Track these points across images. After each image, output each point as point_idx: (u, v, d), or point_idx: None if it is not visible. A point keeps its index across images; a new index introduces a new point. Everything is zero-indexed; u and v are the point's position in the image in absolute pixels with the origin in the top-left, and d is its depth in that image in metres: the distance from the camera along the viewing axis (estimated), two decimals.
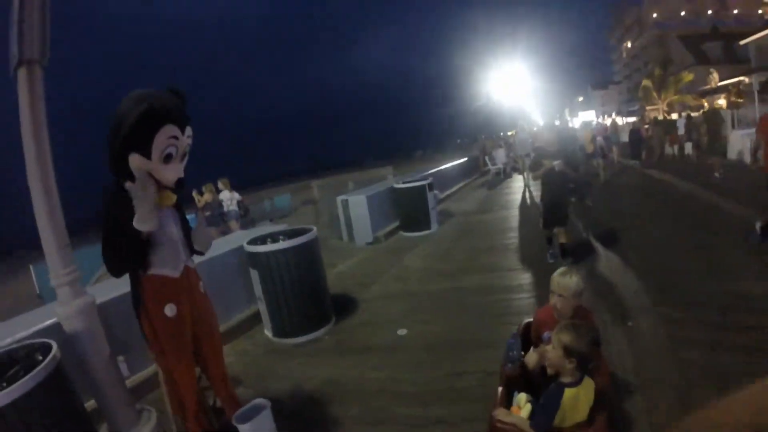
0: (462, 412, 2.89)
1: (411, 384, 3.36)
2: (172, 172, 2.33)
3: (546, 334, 2.32)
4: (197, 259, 2.80)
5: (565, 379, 1.96)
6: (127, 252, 2.27)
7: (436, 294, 5.33)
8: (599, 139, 12.75)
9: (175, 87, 2.43)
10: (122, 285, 3.64)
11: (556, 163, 5.72)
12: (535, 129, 14.52)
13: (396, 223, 8.89)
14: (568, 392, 1.92)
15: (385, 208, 8.60)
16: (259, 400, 2.69)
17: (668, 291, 4.35)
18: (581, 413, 1.96)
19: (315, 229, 4.34)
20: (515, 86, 25.66)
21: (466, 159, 17.79)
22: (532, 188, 12.12)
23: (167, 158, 2.28)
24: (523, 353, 2.38)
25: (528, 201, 10.95)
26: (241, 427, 2.51)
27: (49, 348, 2.21)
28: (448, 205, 11.61)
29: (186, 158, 2.45)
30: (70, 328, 2.60)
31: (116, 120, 2.23)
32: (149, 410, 2.93)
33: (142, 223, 2.20)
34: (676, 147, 16.22)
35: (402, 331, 4.30)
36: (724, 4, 44.47)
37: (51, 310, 3.16)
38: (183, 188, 2.47)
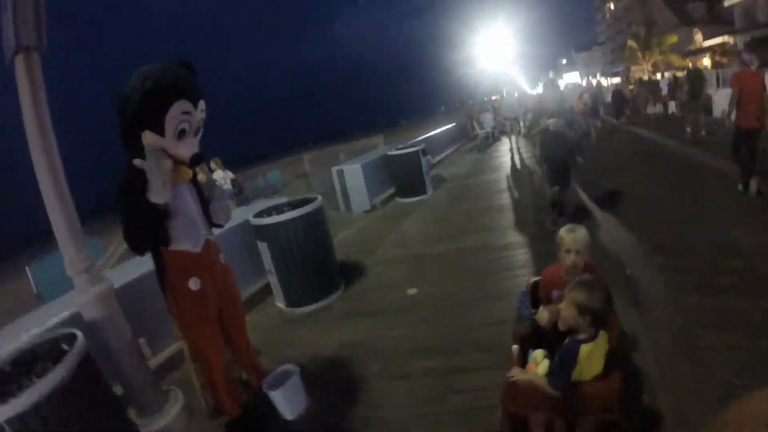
0: (481, 360, 3.01)
1: (427, 339, 3.46)
2: (187, 148, 2.31)
3: (555, 293, 2.35)
4: None
5: (581, 336, 1.94)
6: (147, 227, 2.25)
7: (438, 255, 5.41)
8: (585, 96, 12.63)
9: (186, 61, 2.38)
10: (134, 269, 3.70)
11: (551, 122, 5.74)
12: (516, 95, 14.26)
13: (391, 190, 8.91)
14: (584, 348, 1.91)
15: (380, 176, 8.59)
16: (287, 366, 2.77)
17: (662, 242, 4.48)
18: (597, 367, 1.96)
19: (320, 197, 4.35)
20: (500, 51, 25.38)
21: (454, 124, 17.72)
22: (521, 150, 12.13)
23: (181, 134, 2.25)
24: (533, 311, 2.34)
25: (518, 164, 10.96)
26: (272, 393, 2.58)
27: (73, 337, 2.19)
28: (440, 171, 11.63)
29: (201, 133, 2.42)
30: (90, 315, 2.61)
31: (122, 98, 2.19)
32: (175, 390, 2.99)
33: (156, 194, 2.18)
34: (659, 106, 16.27)
35: (412, 291, 4.39)
36: None
37: (64, 303, 3.16)
38: (200, 163, 2.46)
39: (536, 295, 2.56)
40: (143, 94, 2.13)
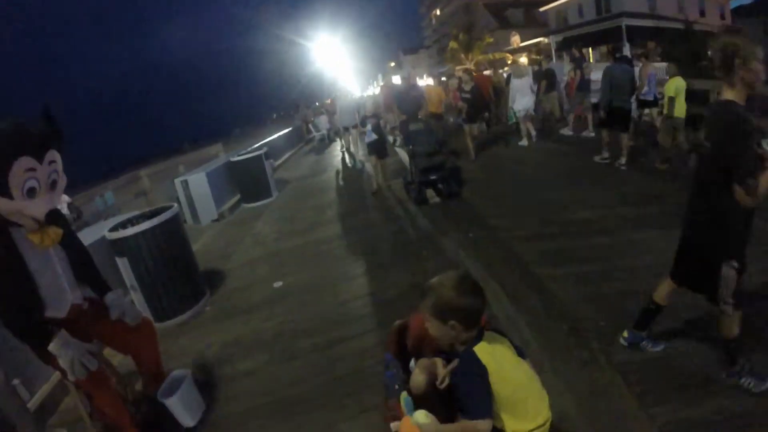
0: (357, 328, 3.28)
1: (304, 321, 3.57)
2: (41, 206, 1.98)
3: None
4: None
5: (461, 347, 1.47)
6: (21, 306, 2.02)
7: (294, 249, 5.49)
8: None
9: (45, 107, 2.07)
10: None
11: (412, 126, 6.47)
12: (355, 97, 13.13)
13: (237, 197, 8.54)
14: (481, 348, 1.43)
15: (225, 183, 8.16)
16: (176, 372, 2.59)
17: (501, 211, 5.43)
18: (524, 371, 1.49)
19: (176, 204, 4.05)
20: (331, 57, 25.52)
21: (291, 129, 17.55)
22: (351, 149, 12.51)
23: (30, 192, 1.93)
24: (404, 377, 1.72)
25: (349, 162, 11.20)
26: (168, 401, 2.41)
27: None
28: (281, 174, 11.50)
29: (61, 184, 2.11)
30: None
31: None
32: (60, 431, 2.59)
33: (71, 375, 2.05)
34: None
35: (278, 284, 4.41)
36: None
37: None
38: (59, 220, 2.15)
39: (403, 343, 1.90)
40: None
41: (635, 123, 7.81)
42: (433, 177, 6.16)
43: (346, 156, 12.05)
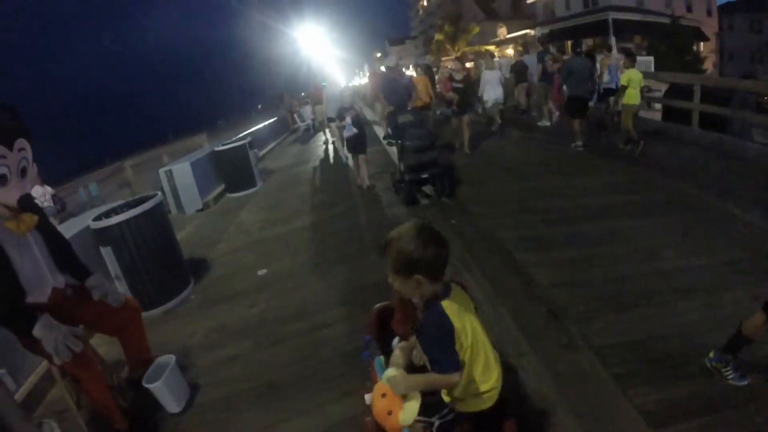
0: (339, 314, 3.34)
1: (288, 308, 3.61)
2: (12, 192, 2.00)
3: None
4: None
5: (428, 301, 1.40)
6: (3, 293, 2.07)
7: (278, 237, 5.52)
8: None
9: (4, 103, 2.06)
10: None
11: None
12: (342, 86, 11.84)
13: (221, 186, 8.46)
14: (448, 303, 1.38)
15: (209, 173, 8.08)
16: (162, 358, 2.62)
17: (480, 198, 5.54)
18: (482, 330, 1.44)
19: (159, 193, 4.03)
20: (317, 46, 25.02)
21: (275, 119, 17.33)
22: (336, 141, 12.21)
23: (2, 180, 1.96)
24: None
25: (331, 152, 11.13)
26: (153, 387, 2.43)
27: None
28: (266, 164, 11.40)
29: (31, 171, 2.13)
30: None
31: None
32: (48, 422, 2.58)
33: (56, 358, 2.09)
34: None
35: (262, 271, 4.44)
36: None
37: None
38: (29, 205, 2.14)
39: (384, 325, 1.88)
40: None
41: (604, 111, 8.58)
42: (425, 175, 5.49)
43: (329, 148, 11.76)
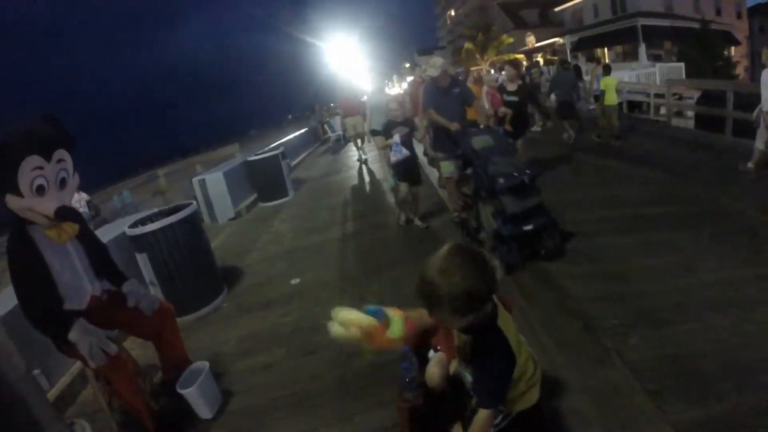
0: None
1: (322, 318, 3.48)
2: (50, 203, 2.03)
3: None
4: None
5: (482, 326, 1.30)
6: (41, 299, 2.09)
7: (311, 247, 5.48)
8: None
9: (46, 113, 2.13)
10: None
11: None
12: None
13: (254, 196, 8.60)
14: (503, 326, 1.29)
15: (241, 182, 8.22)
16: (196, 364, 2.60)
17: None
18: (524, 351, 1.38)
19: (194, 202, 4.08)
20: (345, 58, 25.31)
21: (306, 129, 17.58)
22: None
23: (39, 190, 1.99)
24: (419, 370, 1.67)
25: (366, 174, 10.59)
26: (186, 392, 2.41)
27: None
28: (297, 174, 11.53)
29: (71, 182, 2.17)
30: None
31: None
32: (79, 422, 2.60)
33: (90, 361, 2.13)
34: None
35: (295, 281, 4.40)
36: None
37: None
38: (68, 216, 2.14)
39: (422, 337, 1.79)
40: None
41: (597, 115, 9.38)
42: (528, 227, 3.73)
43: (363, 169, 10.19)
